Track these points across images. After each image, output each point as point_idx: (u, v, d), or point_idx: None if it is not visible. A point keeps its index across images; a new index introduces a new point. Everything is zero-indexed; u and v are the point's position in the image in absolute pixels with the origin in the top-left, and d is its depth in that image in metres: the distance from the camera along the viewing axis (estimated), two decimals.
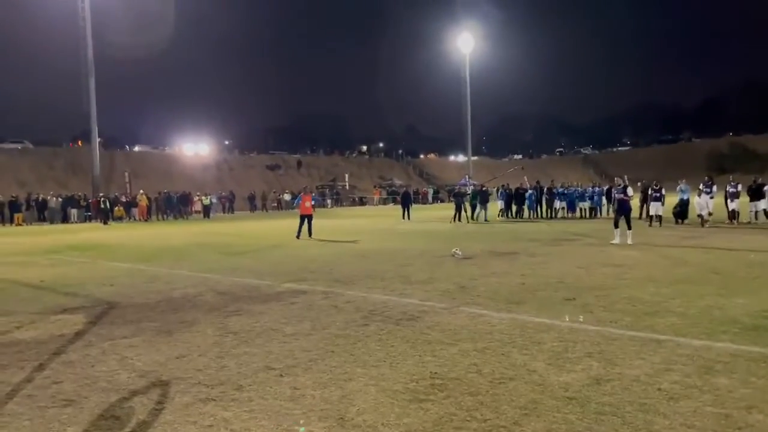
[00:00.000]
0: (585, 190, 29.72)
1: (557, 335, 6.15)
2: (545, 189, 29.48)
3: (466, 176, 50.90)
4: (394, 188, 63.13)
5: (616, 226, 15.46)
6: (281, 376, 5.06)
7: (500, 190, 31.16)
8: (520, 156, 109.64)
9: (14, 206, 36.60)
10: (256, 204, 50.01)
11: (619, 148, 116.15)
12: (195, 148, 72.13)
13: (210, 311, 7.85)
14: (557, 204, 28.76)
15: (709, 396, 4.34)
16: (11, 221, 35.80)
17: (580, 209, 28.45)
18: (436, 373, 5.02)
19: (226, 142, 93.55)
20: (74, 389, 4.82)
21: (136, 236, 23.73)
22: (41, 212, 38.32)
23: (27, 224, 35.93)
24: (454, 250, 13.29)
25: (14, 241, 21.88)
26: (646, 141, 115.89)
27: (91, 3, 41.35)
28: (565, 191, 29.29)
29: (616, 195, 16.10)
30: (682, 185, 22.15)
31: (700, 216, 20.29)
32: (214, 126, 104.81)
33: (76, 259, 15.29)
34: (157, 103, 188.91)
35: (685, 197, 22.00)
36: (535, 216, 28.88)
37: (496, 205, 30.34)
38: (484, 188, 29.27)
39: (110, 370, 5.33)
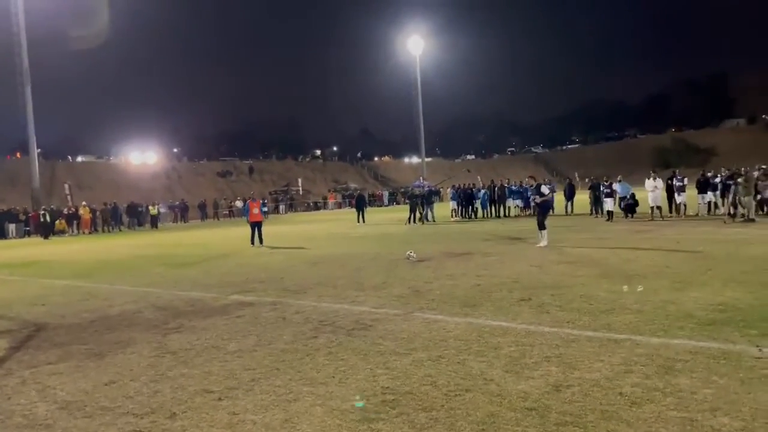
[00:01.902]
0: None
1: (514, 339, 5.91)
2: (496, 188, 29.55)
3: (421, 177, 50.92)
4: (349, 192, 62.68)
5: (541, 227, 14.21)
6: (219, 399, 4.64)
7: (451, 191, 31.17)
8: (472, 156, 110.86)
9: None
10: (207, 212, 48.83)
11: (569, 146, 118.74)
12: (142, 157, 70.11)
13: (148, 329, 7.33)
14: (510, 202, 28.90)
15: (671, 399, 4.15)
16: None
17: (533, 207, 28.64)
18: (388, 387, 4.69)
19: (175, 150, 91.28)
20: None
21: (78, 250, 22.64)
22: None
23: None
24: (408, 252, 13.02)
25: None
26: (594, 138, 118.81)
27: (26, 8, 39.61)
28: (519, 189, 29.42)
29: (531, 196, 15.15)
30: (618, 185, 22.58)
31: (653, 208, 20.61)
32: (162, 133, 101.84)
33: (7, 277, 14.35)
34: (100, 111, 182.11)
35: (627, 193, 22.38)
36: (488, 215, 28.97)
37: (446, 206, 30.26)
38: (428, 189, 29.14)
39: (28, 403, 4.80)
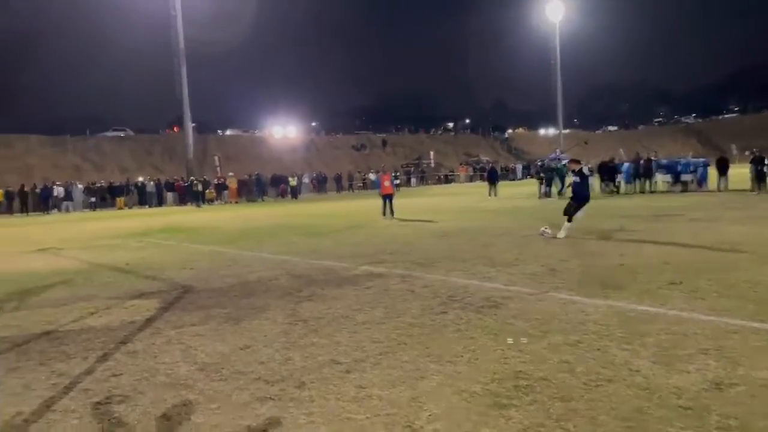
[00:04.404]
0: (689, 161, 27.51)
1: (663, 326, 5.33)
2: (641, 161, 27.62)
3: (557, 150, 48.74)
4: (480, 165, 61.58)
5: (566, 214, 12.05)
6: (347, 372, 4.60)
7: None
8: (615, 127, 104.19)
9: (116, 191, 38.73)
10: (342, 184, 50.39)
11: (725, 116, 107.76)
12: (283, 131, 73.45)
13: (282, 296, 7.56)
14: (659, 177, 26.86)
15: None
16: (114, 205, 37.97)
17: (683, 182, 26.39)
18: (521, 371, 4.39)
19: (313, 124, 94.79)
20: (131, 383, 4.58)
21: (224, 218, 24.26)
22: (141, 196, 40.32)
23: (128, 208, 37.92)
24: (542, 228, 12.41)
25: (111, 225, 22.93)
26: (755, 107, 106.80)
27: None
28: (668, 162, 27.32)
29: (572, 177, 12.50)
30: None
31: None
32: (302, 108, 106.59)
33: (163, 241, 15.65)
34: (246, 87, 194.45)
35: None
36: (632, 190, 27.22)
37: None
38: (545, 163, 27.70)
39: (172, 362, 5.08)
